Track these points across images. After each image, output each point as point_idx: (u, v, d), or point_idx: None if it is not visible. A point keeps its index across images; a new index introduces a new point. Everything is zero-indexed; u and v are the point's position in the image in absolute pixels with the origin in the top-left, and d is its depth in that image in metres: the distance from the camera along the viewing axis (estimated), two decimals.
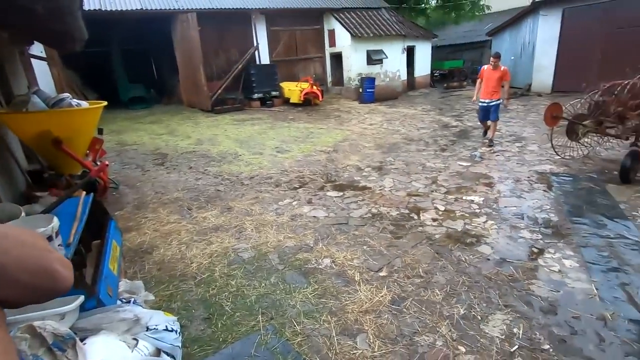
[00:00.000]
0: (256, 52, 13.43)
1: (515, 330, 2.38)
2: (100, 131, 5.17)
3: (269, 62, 13.85)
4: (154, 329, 1.86)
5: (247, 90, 12.95)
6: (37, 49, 7.79)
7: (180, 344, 1.92)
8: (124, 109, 13.15)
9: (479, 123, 7.73)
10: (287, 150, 7.29)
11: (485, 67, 6.89)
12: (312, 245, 3.56)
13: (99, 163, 4.81)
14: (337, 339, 2.35)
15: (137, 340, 1.79)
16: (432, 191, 4.86)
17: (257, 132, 8.96)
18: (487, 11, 21.37)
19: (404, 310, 2.61)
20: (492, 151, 6.64)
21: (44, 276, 0.57)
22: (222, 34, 12.95)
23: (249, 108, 12.71)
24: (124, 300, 2.27)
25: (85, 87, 12.13)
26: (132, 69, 15.32)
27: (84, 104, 4.43)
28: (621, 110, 5.14)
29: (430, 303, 2.68)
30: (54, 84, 8.97)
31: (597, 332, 2.33)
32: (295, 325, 2.48)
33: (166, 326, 1.90)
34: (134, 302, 2.17)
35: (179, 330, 1.96)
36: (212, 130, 9.22)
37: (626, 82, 5.20)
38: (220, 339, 2.37)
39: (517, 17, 15.10)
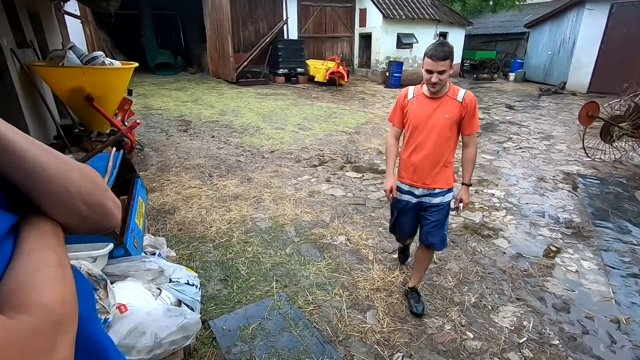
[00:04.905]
0: (285, 27, 13.21)
1: (525, 323, 2.39)
2: (129, 92, 5.26)
3: (296, 38, 13.63)
4: (177, 281, 1.95)
5: (272, 64, 12.82)
6: (71, 7, 7.88)
7: (199, 298, 2.01)
8: (150, 74, 13.29)
9: (398, 242, 2.97)
10: (309, 128, 7.27)
11: (411, 91, 2.27)
12: (328, 222, 3.60)
13: (127, 123, 4.93)
14: (347, 312, 2.41)
15: (160, 290, 1.88)
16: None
17: (280, 108, 8.94)
18: (528, 1, 20.20)
19: None
20: (518, 147, 6.45)
21: (100, 211, 0.61)
22: (253, 5, 12.77)
23: (273, 83, 12.64)
24: (147, 253, 2.38)
25: (115, 48, 12.27)
26: (161, 35, 15.33)
27: (117, 63, 4.51)
28: None
29: (441, 288, 2.70)
30: (85, 43, 9.11)
31: (609, 333, 2.32)
32: (307, 295, 2.55)
33: (187, 280, 1.99)
34: (159, 255, 2.27)
35: (198, 286, 2.05)
36: (235, 102, 9.25)
37: None
38: (236, 300, 2.47)
39: (560, 10, 14.27)
